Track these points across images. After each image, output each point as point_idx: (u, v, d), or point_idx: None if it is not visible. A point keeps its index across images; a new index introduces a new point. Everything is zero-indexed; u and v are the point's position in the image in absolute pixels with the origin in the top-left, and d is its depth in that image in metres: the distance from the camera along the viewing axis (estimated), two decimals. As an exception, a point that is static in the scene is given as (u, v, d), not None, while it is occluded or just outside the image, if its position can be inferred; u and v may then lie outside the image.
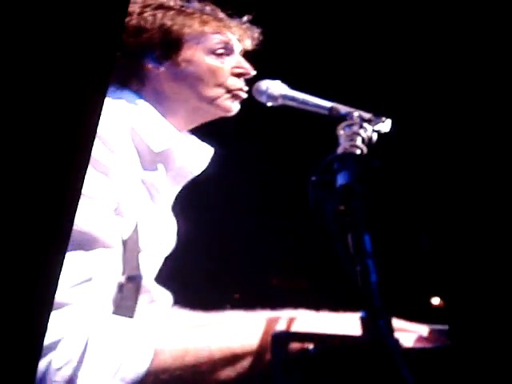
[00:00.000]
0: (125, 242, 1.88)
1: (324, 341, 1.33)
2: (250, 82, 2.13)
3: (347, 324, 1.73)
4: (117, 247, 1.86)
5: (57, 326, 1.68)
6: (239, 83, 2.11)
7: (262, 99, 2.08)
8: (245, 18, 2.17)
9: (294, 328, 1.74)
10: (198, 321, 1.98)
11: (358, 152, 1.58)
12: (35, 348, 1.37)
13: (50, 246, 1.38)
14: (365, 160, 1.50)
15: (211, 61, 2.07)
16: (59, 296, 1.69)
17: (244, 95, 2.12)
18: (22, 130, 1.32)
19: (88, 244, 1.78)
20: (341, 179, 1.38)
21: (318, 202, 1.41)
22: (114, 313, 1.86)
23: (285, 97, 2.04)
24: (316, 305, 1.89)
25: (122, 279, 1.87)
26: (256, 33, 2.17)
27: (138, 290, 1.90)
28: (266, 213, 3.05)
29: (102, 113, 1.86)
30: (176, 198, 2.17)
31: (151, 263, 1.99)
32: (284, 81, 2.07)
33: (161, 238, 2.04)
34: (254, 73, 2.13)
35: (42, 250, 1.36)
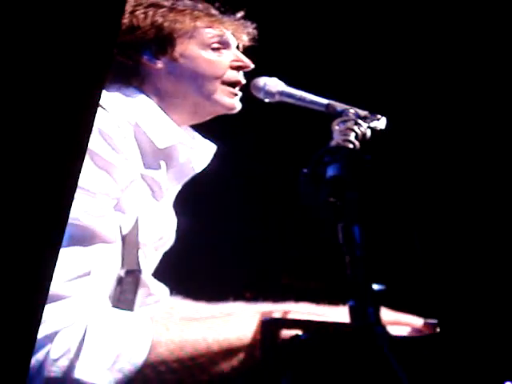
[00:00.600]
0: (124, 237, 1.91)
1: (312, 328, 1.35)
2: (247, 80, 2.15)
3: (341, 315, 1.75)
4: (116, 242, 1.88)
5: (55, 318, 1.71)
6: (238, 76, 2.13)
7: (260, 95, 2.10)
8: (238, 15, 2.18)
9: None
10: (196, 312, 2.00)
11: (351, 146, 1.59)
12: (29, 340, 1.39)
13: (45, 240, 1.39)
14: (356, 153, 1.52)
15: (208, 54, 2.10)
16: (58, 289, 1.72)
17: (240, 92, 2.14)
18: (19, 125, 1.34)
19: (88, 239, 1.80)
20: (331, 171, 1.39)
21: (309, 194, 1.43)
22: (114, 306, 1.88)
23: (282, 93, 2.06)
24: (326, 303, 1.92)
25: (122, 273, 1.89)
26: (250, 27, 2.19)
27: (137, 283, 1.93)
28: (274, 210, 3.06)
29: (99, 109, 1.89)
30: (179, 194, 2.19)
31: (150, 258, 2.02)
32: (281, 78, 2.09)
33: (160, 233, 2.06)
34: (252, 66, 2.15)
35: (37, 243, 1.38)
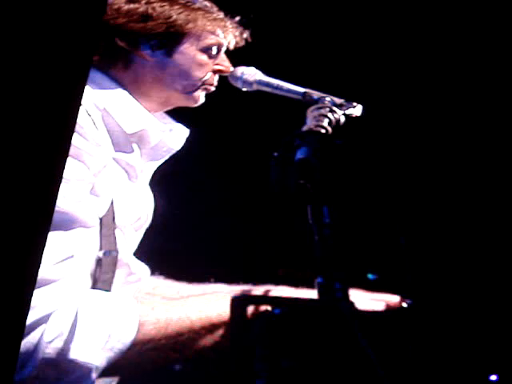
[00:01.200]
0: (101, 220, 1.95)
1: (280, 303, 1.38)
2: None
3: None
4: (94, 225, 1.92)
5: (46, 302, 1.76)
6: (214, 79, 2.16)
7: (238, 84, 2.13)
8: (237, 18, 2.21)
9: None
10: (177, 293, 2.06)
11: (323, 131, 1.62)
12: (18, 325, 1.41)
13: (33, 228, 1.41)
14: (326, 137, 1.54)
15: (202, 57, 2.13)
16: (45, 273, 1.76)
17: (213, 89, 2.17)
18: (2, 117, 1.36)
19: (67, 223, 1.84)
20: (299, 154, 1.42)
21: (279, 177, 1.45)
22: (93, 286, 1.93)
23: (259, 82, 2.09)
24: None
25: (100, 254, 1.93)
26: (247, 34, 2.22)
27: (114, 264, 1.97)
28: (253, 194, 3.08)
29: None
30: (157, 175, 2.22)
31: (129, 238, 2.05)
32: (258, 67, 2.12)
33: (138, 214, 2.10)
34: (232, 70, 2.18)
35: (25, 231, 1.40)
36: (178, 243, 3.04)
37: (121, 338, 1.79)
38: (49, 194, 1.42)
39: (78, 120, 1.87)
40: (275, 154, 1.48)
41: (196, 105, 2.17)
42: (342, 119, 1.81)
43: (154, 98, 2.13)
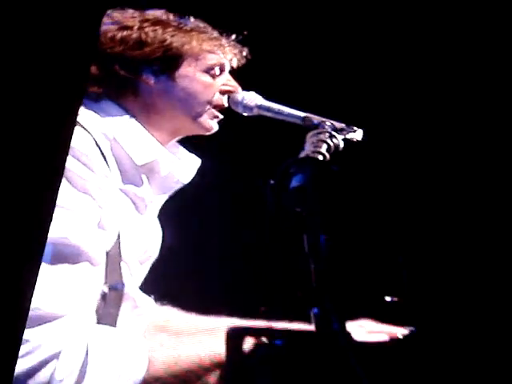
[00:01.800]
0: (107, 253, 1.92)
1: (278, 335, 1.36)
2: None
3: None
4: (101, 261, 1.89)
5: (54, 338, 1.72)
6: (222, 100, 2.14)
7: (238, 109, 2.12)
8: (233, 37, 2.20)
9: None
10: (191, 326, 2.02)
11: (320, 158, 1.61)
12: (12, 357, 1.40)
13: (25, 257, 1.40)
14: (322, 164, 1.53)
15: (205, 78, 2.11)
16: (52, 308, 1.73)
17: (221, 115, 2.15)
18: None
19: (75, 257, 1.81)
20: (295, 182, 1.41)
21: (275, 204, 1.44)
22: (98, 321, 1.89)
23: (260, 107, 2.08)
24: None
25: (105, 289, 1.91)
26: (246, 52, 2.21)
27: (120, 298, 1.94)
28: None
29: (76, 124, 1.92)
30: (166, 207, 2.20)
31: (135, 272, 2.03)
32: (258, 92, 2.11)
33: (145, 247, 2.07)
34: (239, 90, 2.16)
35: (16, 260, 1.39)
36: (188, 271, 3.02)
37: (131, 377, 1.76)
38: (41, 221, 1.41)
39: (85, 150, 1.87)
40: (271, 181, 1.47)
41: (209, 132, 2.15)
42: (342, 144, 1.80)
43: (165, 127, 2.11)
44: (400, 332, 1.84)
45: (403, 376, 1.44)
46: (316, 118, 1.94)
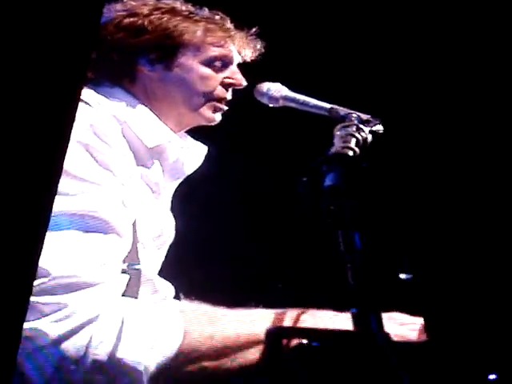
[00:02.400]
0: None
1: (317, 336, 1.38)
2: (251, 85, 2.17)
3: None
4: (127, 235, 1.90)
5: (90, 304, 1.74)
6: (225, 94, 2.13)
7: (264, 100, 2.12)
8: (252, 30, 2.18)
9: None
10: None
11: (350, 153, 1.61)
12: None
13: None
14: (354, 161, 1.54)
15: (204, 69, 2.10)
16: (89, 275, 1.76)
17: (226, 107, 2.15)
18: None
19: (104, 229, 1.83)
20: (328, 180, 1.42)
21: (308, 202, 1.45)
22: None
23: (286, 98, 2.08)
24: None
25: (124, 266, 1.91)
26: (259, 45, 2.19)
27: (138, 278, 1.94)
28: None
29: (91, 107, 1.92)
30: (175, 196, 2.21)
31: (150, 254, 2.02)
32: (283, 83, 2.11)
33: (159, 231, 2.07)
34: (245, 84, 2.16)
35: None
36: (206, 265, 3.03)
37: (167, 342, 1.77)
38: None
39: (105, 129, 1.89)
40: (303, 179, 1.48)
41: (210, 123, 2.15)
42: (369, 137, 1.80)
43: (169, 116, 2.10)
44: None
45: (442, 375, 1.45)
46: (342, 110, 1.94)
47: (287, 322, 1.81)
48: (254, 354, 1.78)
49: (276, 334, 1.34)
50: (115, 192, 1.87)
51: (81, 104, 1.88)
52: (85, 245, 1.78)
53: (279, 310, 1.89)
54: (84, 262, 1.76)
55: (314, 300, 1.88)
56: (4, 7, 1.31)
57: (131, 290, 1.92)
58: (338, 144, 1.67)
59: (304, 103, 2.05)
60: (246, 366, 1.78)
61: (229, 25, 2.15)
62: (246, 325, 1.82)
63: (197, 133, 2.21)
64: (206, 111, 2.12)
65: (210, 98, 2.11)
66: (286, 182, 1.66)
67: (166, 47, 2.08)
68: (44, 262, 1.64)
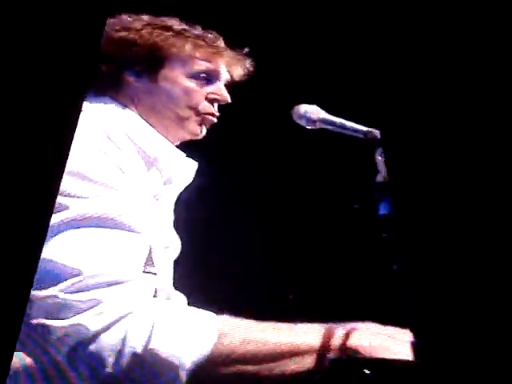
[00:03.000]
0: None
1: (378, 366, 1.40)
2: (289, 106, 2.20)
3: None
4: (147, 236, 1.93)
5: (125, 300, 1.78)
6: (211, 108, 2.18)
7: (302, 122, 2.15)
8: (244, 50, 2.23)
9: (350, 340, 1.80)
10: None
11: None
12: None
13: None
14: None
15: (188, 83, 2.14)
16: (119, 273, 1.80)
17: (214, 120, 2.19)
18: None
19: (128, 230, 1.87)
20: (382, 209, 1.46)
21: (362, 229, 1.50)
22: None
23: (323, 121, 2.12)
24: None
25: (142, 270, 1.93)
26: (248, 64, 2.24)
27: (155, 283, 1.96)
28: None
29: (96, 117, 1.95)
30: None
31: (164, 264, 2.06)
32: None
33: (167, 241, 2.10)
34: (229, 100, 2.20)
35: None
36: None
37: (201, 341, 1.78)
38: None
39: (116, 136, 1.93)
40: (355, 205, 1.53)
41: (195, 137, 2.18)
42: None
43: (158, 126, 2.13)
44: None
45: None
46: (378, 133, 1.99)
47: (336, 338, 1.80)
48: (293, 365, 1.78)
49: (339, 364, 1.37)
50: (134, 196, 1.92)
51: (90, 113, 1.96)
52: (110, 245, 1.83)
53: (319, 325, 1.88)
54: (112, 261, 1.81)
55: (326, 310, 1.89)
56: (13, 16, 1.35)
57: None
58: (382, 170, 1.71)
59: (341, 126, 2.09)
60: (283, 376, 1.77)
61: (220, 42, 2.20)
62: (289, 335, 1.81)
63: (196, 142, 2.23)
64: (191, 124, 2.16)
65: (194, 111, 2.16)
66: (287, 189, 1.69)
67: (152, 59, 2.13)
68: (75, 262, 1.75)
